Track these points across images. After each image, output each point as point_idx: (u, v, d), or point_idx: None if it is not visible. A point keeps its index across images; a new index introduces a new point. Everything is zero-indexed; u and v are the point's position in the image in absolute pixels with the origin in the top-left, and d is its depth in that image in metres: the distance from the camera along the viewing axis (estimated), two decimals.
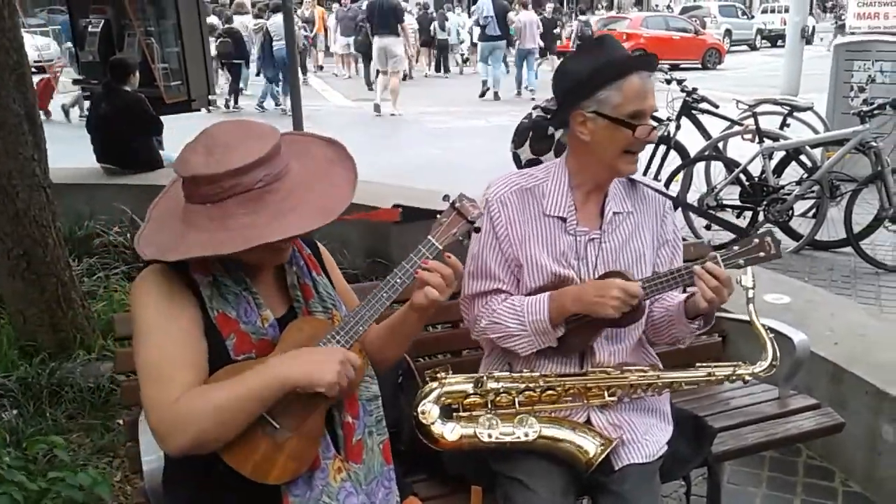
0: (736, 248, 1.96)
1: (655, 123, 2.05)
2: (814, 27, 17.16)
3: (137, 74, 6.58)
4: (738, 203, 6.01)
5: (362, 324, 1.70)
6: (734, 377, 2.06)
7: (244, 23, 16.18)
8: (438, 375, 2.01)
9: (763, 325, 2.04)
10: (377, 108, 13.82)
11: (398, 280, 1.70)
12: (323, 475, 1.68)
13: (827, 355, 3.08)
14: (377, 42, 13.82)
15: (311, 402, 1.65)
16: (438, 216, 1.77)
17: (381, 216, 1.93)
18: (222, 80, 15.56)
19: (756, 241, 1.95)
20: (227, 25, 16.13)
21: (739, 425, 2.47)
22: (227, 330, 1.65)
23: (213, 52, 13.07)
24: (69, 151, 6.43)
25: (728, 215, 5.96)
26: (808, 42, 13.44)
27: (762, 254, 1.94)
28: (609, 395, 2.03)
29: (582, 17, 22.21)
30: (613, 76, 1.97)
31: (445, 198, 1.78)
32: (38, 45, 18.01)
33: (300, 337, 1.69)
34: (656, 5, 34.90)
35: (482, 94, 16.26)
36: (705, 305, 1.92)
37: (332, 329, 1.70)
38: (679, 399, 2.44)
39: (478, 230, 1.82)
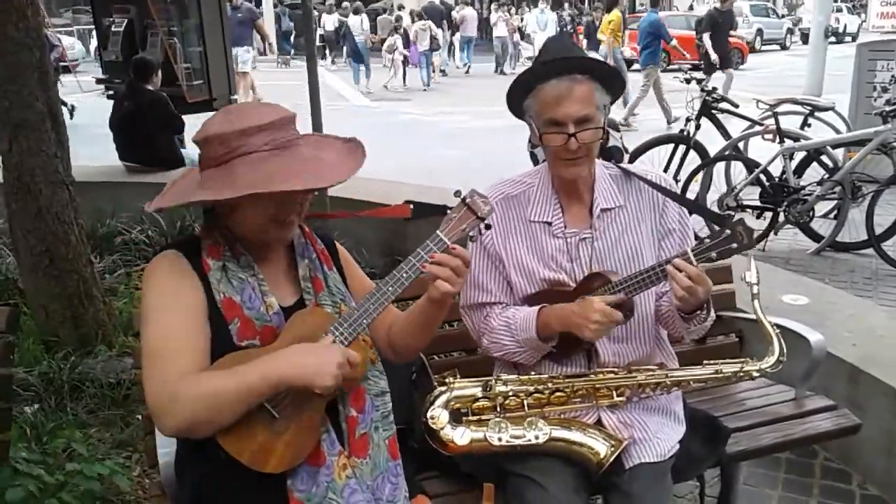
0: (707, 240, 1.87)
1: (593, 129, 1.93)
2: (846, 25, 16.80)
3: (160, 74, 6.64)
4: (758, 204, 5.96)
5: (366, 317, 1.72)
6: (742, 373, 2.03)
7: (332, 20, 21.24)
8: (447, 380, 2.03)
9: (770, 323, 2.00)
10: None
11: (404, 275, 1.72)
12: (328, 472, 1.70)
13: (845, 356, 3.05)
14: None
15: (311, 393, 1.66)
16: (449, 211, 1.78)
17: (392, 212, 1.94)
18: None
19: (728, 231, 1.85)
20: (395, 24, 20.14)
21: (755, 426, 2.45)
22: (231, 315, 1.69)
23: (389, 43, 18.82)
24: None
25: (748, 216, 5.92)
26: (839, 41, 13.21)
27: (735, 245, 1.84)
28: (618, 396, 2.03)
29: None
30: (530, 84, 1.98)
31: (457, 193, 1.79)
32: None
33: (304, 327, 1.72)
34: (678, 6, 34.52)
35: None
36: (678, 304, 1.89)
37: (336, 321, 1.73)
38: (694, 399, 2.43)
39: (488, 227, 1.81)
